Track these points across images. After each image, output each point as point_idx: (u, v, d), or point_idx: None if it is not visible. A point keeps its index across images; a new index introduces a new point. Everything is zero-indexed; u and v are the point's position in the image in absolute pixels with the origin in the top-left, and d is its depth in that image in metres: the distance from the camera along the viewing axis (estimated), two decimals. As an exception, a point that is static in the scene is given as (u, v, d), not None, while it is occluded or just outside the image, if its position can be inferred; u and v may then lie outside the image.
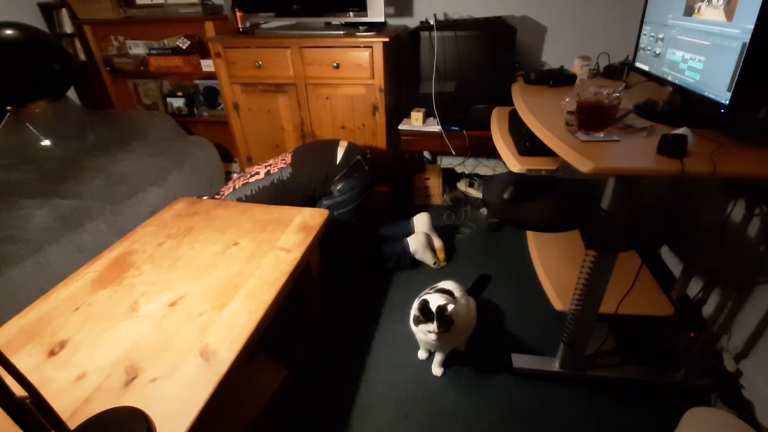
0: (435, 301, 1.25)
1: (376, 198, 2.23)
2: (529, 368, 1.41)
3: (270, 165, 1.84)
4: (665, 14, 1.22)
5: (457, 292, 1.38)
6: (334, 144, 1.85)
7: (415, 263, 1.94)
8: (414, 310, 1.29)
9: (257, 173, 1.82)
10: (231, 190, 1.80)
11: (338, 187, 1.78)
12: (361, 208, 1.85)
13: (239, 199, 1.75)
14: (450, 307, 1.22)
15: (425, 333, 1.25)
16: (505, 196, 1.54)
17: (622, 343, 1.46)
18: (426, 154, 2.68)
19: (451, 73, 2.05)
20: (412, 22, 2.32)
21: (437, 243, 1.95)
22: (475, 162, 2.61)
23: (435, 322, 1.21)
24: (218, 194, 1.82)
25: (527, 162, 1.19)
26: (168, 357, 0.88)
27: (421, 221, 1.98)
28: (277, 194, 1.75)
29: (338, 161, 1.79)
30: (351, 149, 1.83)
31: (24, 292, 1.34)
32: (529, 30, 2.21)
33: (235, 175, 1.93)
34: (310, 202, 1.82)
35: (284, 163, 1.81)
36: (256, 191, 1.76)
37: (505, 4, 2.17)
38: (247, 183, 1.79)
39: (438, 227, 2.04)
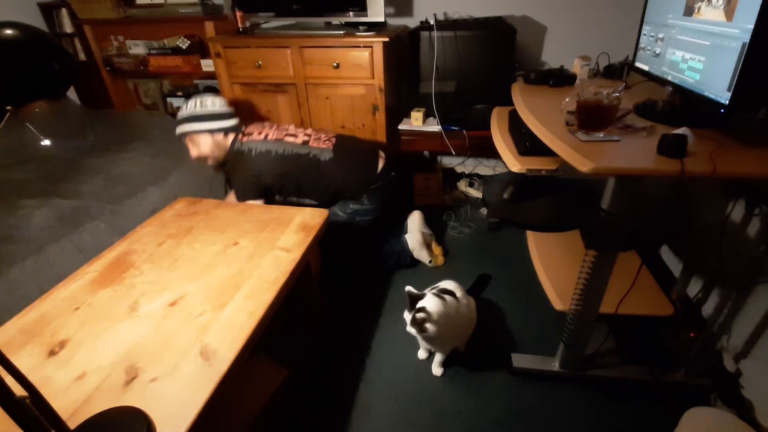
0: (427, 304, 1.26)
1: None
2: (529, 368, 1.41)
3: (309, 136, 1.77)
4: (665, 14, 1.22)
5: (458, 293, 1.38)
6: (375, 151, 1.86)
7: (415, 262, 1.94)
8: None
9: (294, 135, 1.75)
10: (262, 138, 1.73)
11: (371, 196, 1.78)
12: (381, 220, 1.85)
13: (266, 151, 1.69)
14: (425, 317, 1.24)
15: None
16: (505, 196, 1.54)
17: (622, 343, 1.46)
18: (425, 153, 2.68)
19: (451, 73, 2.05)
20: (412, 22, 2.32)
21: (432, 241, 1.95)
22: (475, 162, 2.61)
23: (409, 315, 1.26)
24: (244, 134, 1.75)
25: (527, 162, 1.19)
26: (168, 357, 0.88)
27: (414, 219, 1.98)
28: (306, 170, 1.71)
29: (378, 170, 1.80)
30: (387, 162, 1.85)
31: (24, 292, 1.34)
32: (529, 30, 2.21)
33: (266, 124, 1.84)
34: (330, 197, 1.80)
35: (326, 144, 1.75)
36: (289, 155, 1.70)
37: (505, 4, 2.17)
38: (281, 140, 1.72)
39: (438, 227, 2.04)
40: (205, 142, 1.75)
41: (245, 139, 1.75)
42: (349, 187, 1.76)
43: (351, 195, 1.79)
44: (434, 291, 1.35)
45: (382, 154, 1.87)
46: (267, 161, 1.71)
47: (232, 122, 1.77)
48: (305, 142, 1.74)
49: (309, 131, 1.81)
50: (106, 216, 1.68)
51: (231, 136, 1.77)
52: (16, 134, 2.05)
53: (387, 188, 1.84)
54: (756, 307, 1.29)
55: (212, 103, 1.74)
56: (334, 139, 1.78)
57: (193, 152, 1.79)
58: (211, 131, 1.73)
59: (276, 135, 1.75)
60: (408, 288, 1.32)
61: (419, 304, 1.27)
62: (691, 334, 1.40)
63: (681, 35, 1.15)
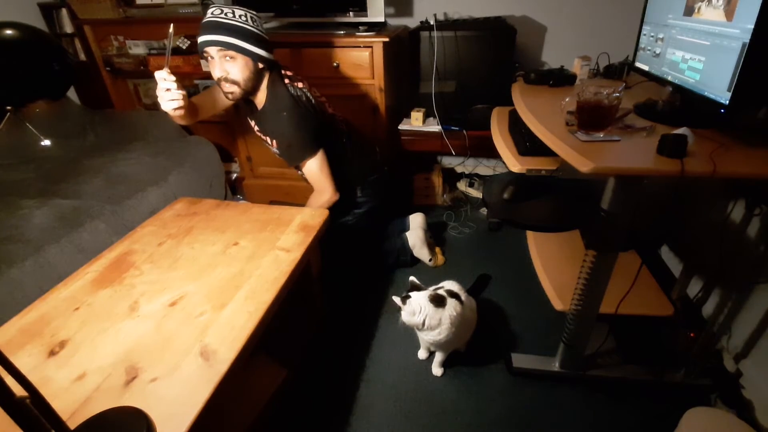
0: (426, 308, 1.26)
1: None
2: (529, 368, 1.41)
3: (334, 110, 1.69)
4: (665, 14, 1.22)
5: (462, 295, 1.38)
6: (374, 143, 1.86)
7: (415, 261, 1.94)
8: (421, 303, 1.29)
9: (326, 102, 1.65)
10: (308, 88, 1.58)
11: (365, 188, 1.77)
12: (375, 214, 1.85)
13: (319, 107, 1.58)
14: (411, 317, 1.27)
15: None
16: (505, 196, 1.54)
17: (622, 343, 1.46)
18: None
19: (451, 73, 2.05)
20: (412, 22, 2.32)
21: (433, 242, 1.96)
22: (475, 162, 2.61)
23: (402, 306, 1.28)
24: (289, 78, 1.55)
25: (527, 162, 1.19)
26: (168, 357, 0.88)
27: (416, 218, 1.98)
28: (334, 141, 1.66)
29: (379, 158, 1.80)
30: (382, 157, 1.85)
31: (24, 292, 1.34)
32: (529, 30, 2.21)
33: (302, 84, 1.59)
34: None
35: (343, 125, 1.71)
36: (330, 119, 1.63)
37: (505, 4, 2.17)
38: (325, 102, 1.63)
39: (438, 227, 2.04)
40: (246, 67, 1.44)
41: (296, 84, 1.54)
42: (352, 176, 1.75)
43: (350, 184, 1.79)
44: (439, 291, 1.34)
45: (377, 148, 1.89)
46: (319, 117, 1.56)
47: (272, 56, 1.49)
48: (334, 115, 1.67)
49: (329, 105, 1.69)
50: (106, 216, 1.68)
51: (267, 73, 1.51)
52: (16, 134, 2.05)
53: (381, 181, 1.85)
54: (756, 307, 1.29)
55: (263, 26, 1.44)
56: (344, 124, 1.76)
57: (221, 72, 1.43)
58: (255, 58, 1.43)
59: (318, 93, 1.60)
60: (411, 278, 1.34)
61: (419, 306, 1.26)
62: (691, 334, 1.40)
63: (681, 35, 1.15)
